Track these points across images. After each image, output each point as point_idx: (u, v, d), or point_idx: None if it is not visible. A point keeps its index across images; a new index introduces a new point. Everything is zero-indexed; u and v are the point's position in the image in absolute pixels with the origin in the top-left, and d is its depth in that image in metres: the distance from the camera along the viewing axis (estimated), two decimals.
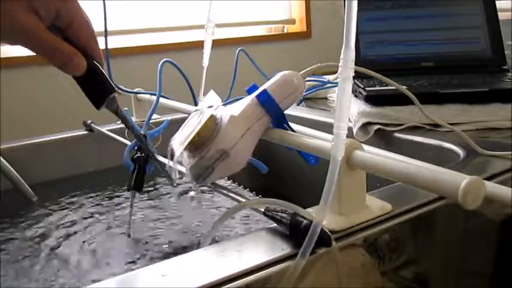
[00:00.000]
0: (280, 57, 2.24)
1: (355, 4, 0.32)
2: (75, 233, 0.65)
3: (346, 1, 0.33)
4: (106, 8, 0.71)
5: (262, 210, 0.40)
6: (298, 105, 0.97)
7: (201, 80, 0.52)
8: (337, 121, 0.34)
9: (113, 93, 0.46)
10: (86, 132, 0.89)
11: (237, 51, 0.89)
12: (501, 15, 0.89)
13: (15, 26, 0.40)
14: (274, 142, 0.49)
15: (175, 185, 0.57)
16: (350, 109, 0.74)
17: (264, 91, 0.48)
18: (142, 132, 0.66)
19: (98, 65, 0.45)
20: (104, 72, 0.46)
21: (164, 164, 0.52)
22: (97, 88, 0.46)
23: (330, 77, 1.01)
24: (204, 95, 0.53)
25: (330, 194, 0.34)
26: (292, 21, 2.44)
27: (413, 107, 0.65)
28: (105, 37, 0.74)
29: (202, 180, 0.48)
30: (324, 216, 0.34)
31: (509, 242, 0.51)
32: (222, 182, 0.80)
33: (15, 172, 0.76)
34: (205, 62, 0.52)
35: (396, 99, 0.72)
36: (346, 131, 0.34)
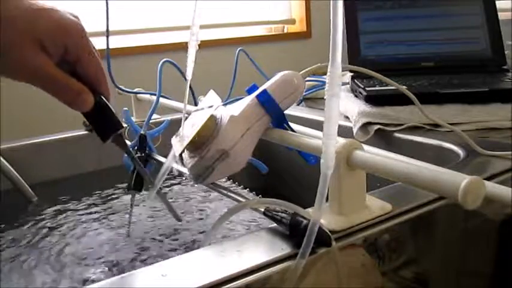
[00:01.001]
0: (280, 57, 2.24)
1: (340, 20, 0.32)
2: (75, 232, 0.65)
3: (331, 16, 0.32)
4: (108, 8, 0.71)
5: (262, 210, 0.40)
6: (298, 105, 0.97)
7: (184, 92, 0.52)
8: (325, 138, 0.34)
9: (120, 130, 0.47)
10: (86, 132, 0.88)
11: (237, 51, 0.89)
12: (501, 15, 0.89)
13: (23, 64, 0.40)
14: (274, 142, 0.49)
15: (180, 221, 0.58)
16: (351, 110, 0.75)
17: (264, 91, 0.48)
18: (142, 132, 0.66)
19: (106, 100, 0.45)
20: (111, 108, 0.46)
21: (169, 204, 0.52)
22: (103, 124, 0.46)
23: None
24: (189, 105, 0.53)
25: (323, 200, 0.34)
26: (292, 21, 2.43)
27: (413, 107, 0.65)
28: (107, 37, 0.74)
29: (203, 180, 0.48)
30: (320, 216, 0.34)
31: (509, 242, 0.51)
32: (222, 182, 0.80)
33: (15, 172, 0.76)
34: (189, 76, 0.51)
35: (396, 99, 0.72)
36: (334, 147, 0.34)
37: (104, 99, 0.45)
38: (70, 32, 0.42)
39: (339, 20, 0.32)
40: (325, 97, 0.34)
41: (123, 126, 0.47)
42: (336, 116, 0.34)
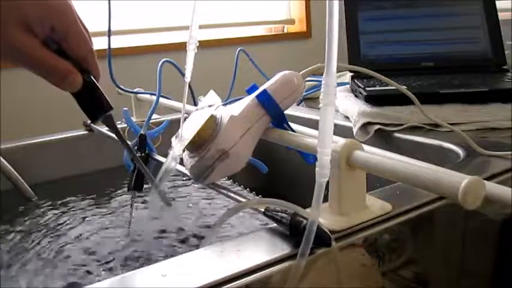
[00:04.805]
0: (280, 57, 2.24)
1: (335, 28, 0.32)
2: (75, 233, 0.65)
3: (327, 26, 0.32)
4: (110, 7, 0.71)
5: (262, 210, 0.40)
6: (298, 105, 0.97)
7: (183, 94, 0.52)
8: (320, 147, 0.34)
9: (108, 112, 0.45)
10: (86, 132, 0.89)
11: (237, 51, 0.89)
12: (501, 15, 0.89)
13: (8, 45, 0.38)
14: (274, 142, 0.49)
15: (170, 205, 0.57)
16: (351, 110, 0.75)
17: (264, 91, 0.48)
18: (142, 132, 0.66)
19: (95, 80, 0.44)
20: (100, 88, 0.45)
21: (158, 186, 0.51)
22: (92, 104, 0.45)
23: None
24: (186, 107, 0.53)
25: (319, 204, 0.34)
26: (291, 21, 2.43)
27: (413, 107, 0.65)
28: (109, 37, 0.74)
29: (203, 180, 0.48)
30: (317, 217, 0.34)
31: (509, 242, 0.51)
32: (222, 182, 0.80)
33: (15, 172, 0.76)
34: (188, 78, 0.51)
35: (396, 99, 0.72)
36: (329, 156, 0.34)
37: (93, 78, 0.44)
38: (57, 11, 0.40)
39: (335, 30, 0.32)
40: (319, 106, 0.34)
41: (112, 108, 0.45)
42: (330, 125, 0.34)
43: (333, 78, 0.33)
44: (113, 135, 0.49)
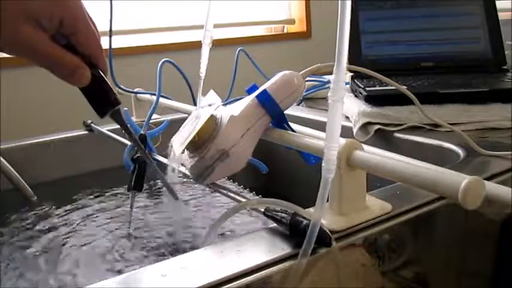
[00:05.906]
0: (280, 57, 2.24)
1: (347, 24, 0.32)
2: (75, 233, 0.65)
3: (338, 19, 0.32)
4: (111, 8, 0.71)
5: (262, 210, 0.40)
6: (298, 105, 0.97)
7: (198, 90, 0.52)
8: (328, 142, 0.34)
9: (117, 106, 0.45)
10: (86, 132, 0.89)
11: (237, 51, 0.89)
12: (501, 15, 0.89)
13: (18, 40, 0.39)
14: (274, 142, 0.49)
15: (177, 199, 0.57)
16: (351, 110, 0.75)
17: (264, 91, 0.48)
18: (142, 132, 0.66)
19: (103, 75, 0.44)
20: (108, 82, 0.45)
21: (165, 180, 0.52)
22: (101, 99, 0.45)
23: (330, 77, 1.00)
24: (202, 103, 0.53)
25: (324, 202, 0.34)
26: (291, 21, 2.44)
27: (413, 107, 0.65)
28: (110, 37, 0.74)
29: (203, 180, 0.48)
30: (321, 217, 0.34)
31: (510, 242, 0.51)
32: (222, 182, 0.80)
33: (15, 172, 0.76)
34: (203, 72, 0.51)
35: (396, 99, 0.72)
36: (336, 151, 0.34)
37: (101, 73, 0.44)
38: (66, 5, 0.40)
39: (346, 24, 0.32)
40: (328, 102, 0.34)
41: (120, 102, 0.45)
42: (339, 121, 0.34)
43: (343, 74, 0.33)
44: (113, 135, 0.49)
